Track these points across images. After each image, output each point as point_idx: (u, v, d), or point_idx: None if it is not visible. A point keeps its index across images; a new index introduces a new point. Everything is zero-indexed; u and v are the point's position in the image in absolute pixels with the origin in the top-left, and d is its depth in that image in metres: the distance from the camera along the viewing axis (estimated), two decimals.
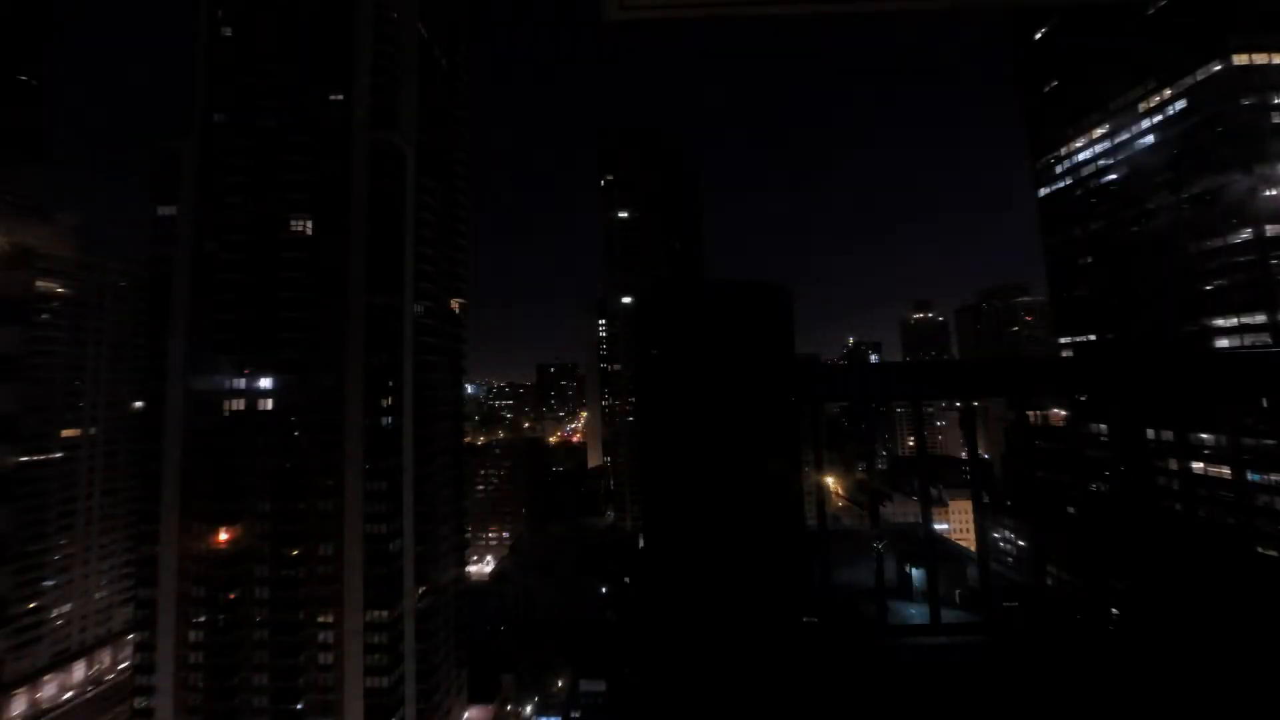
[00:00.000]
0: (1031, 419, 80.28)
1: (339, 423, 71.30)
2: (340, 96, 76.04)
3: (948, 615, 47.13)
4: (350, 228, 73.85)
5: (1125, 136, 72.77)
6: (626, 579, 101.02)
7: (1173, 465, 63.04)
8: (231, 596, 69.17)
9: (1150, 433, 65.31)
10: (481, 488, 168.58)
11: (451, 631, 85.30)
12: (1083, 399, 73.78)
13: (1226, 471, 57.66)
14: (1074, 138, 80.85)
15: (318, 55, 76.39)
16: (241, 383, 72.09)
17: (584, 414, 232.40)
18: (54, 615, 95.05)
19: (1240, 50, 58.86)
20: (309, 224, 74.34)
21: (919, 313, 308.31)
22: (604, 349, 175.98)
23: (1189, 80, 63.63)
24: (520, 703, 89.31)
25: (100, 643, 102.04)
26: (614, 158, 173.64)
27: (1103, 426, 73.25)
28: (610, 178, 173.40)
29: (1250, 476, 55.46)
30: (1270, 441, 53.94)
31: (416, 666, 74.29)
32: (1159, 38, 66.73)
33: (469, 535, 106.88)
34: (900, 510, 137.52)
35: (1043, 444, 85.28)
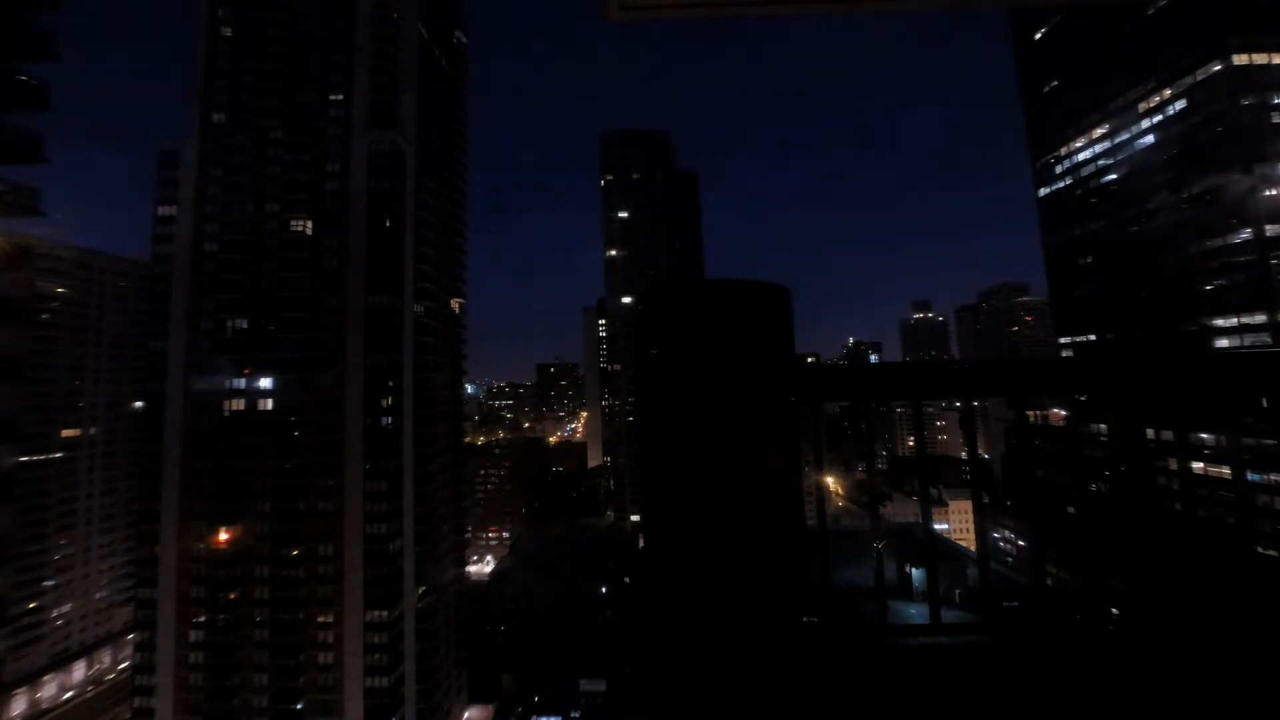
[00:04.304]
0: (1031, 419, 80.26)
1: (339, 423, 71.29)
2: (340, 96, 76.06)
3: (948, 615, 47.14)
4: (350, 228, 73.83)
5: (1125, 136, 72.76)
6: (626, 579, 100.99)
7: (1173, 465, 63.05)
8: (231, 596, 69.15)
9: (1150, 433, 65.32)
10: (481, 488, 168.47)
11: (451, 631, 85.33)
12: (1083, 399, 73.80)
13: (1226, 471, 57.67)
14: (1074, 138, 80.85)
15: (318, 55, 76.41)
16: (242, 383, 72.08)
17: (584, 414, 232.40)
18: (54, 615, 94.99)
19: (1240, 50, 58.87)
20: (309, 224, 74.33)
21: (919, 313, 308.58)
22: (604, 349, 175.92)
23: (1189, 80, 63.62)
24: (520, 703, 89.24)
25: (100, 643, 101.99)
26: (614, 158, 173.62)
27: (1103, 426, 73.24)
28: (610, 178, 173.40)
29: (1250, 476, 55.46)
30: (1270, 441, 53.95)
31: (416, 666, 74.27)
32: (1159, 38, 66.75)
33: (469, 535, 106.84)
34: (900, 510, 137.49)
35: (1043, 444, 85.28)
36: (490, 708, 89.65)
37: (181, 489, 70.32)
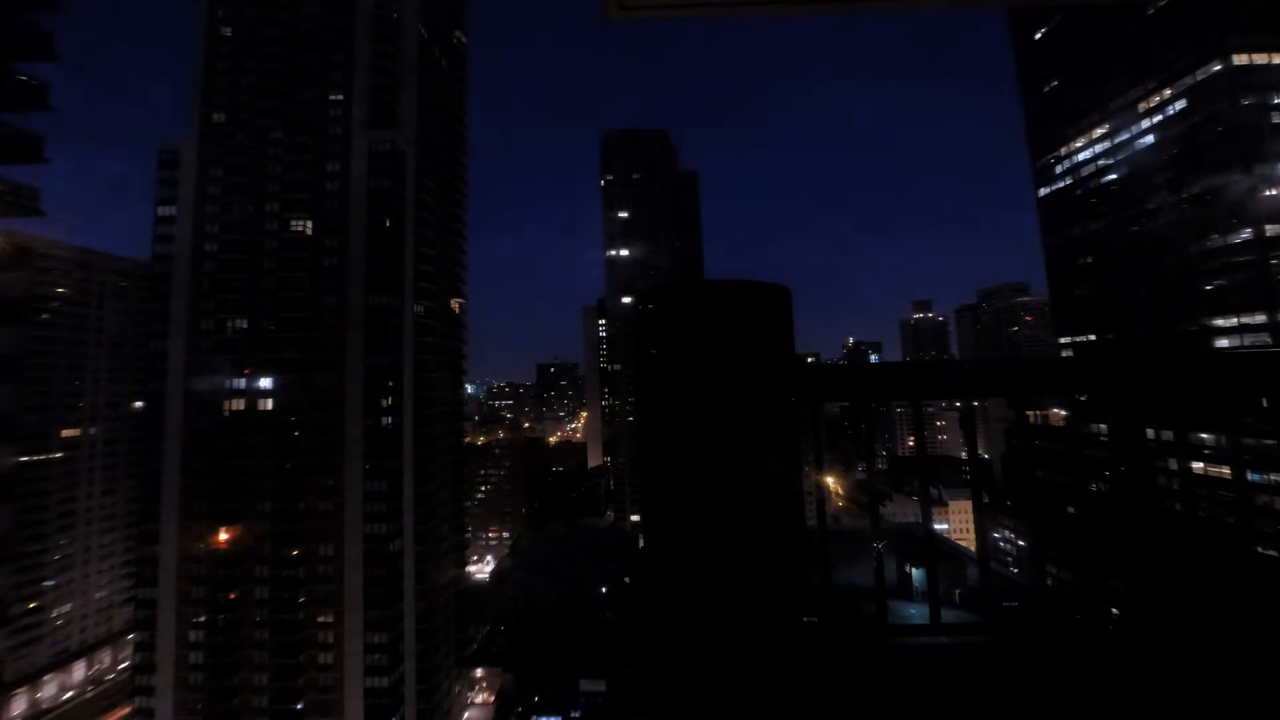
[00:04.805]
0: (1031, 419, 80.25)
1: (339, 423, 71.29)
2: (340, 96, 76.07)
3: (948, 615, 47.17)
4: (350, 228, 73.84)
5: (1125, 136, 72.75)
6: (626, 579, 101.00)
7: (1173, 465, 63.05)
8: (231, 596, 69.14)
9: (1150, 433, 65.31)
10: (481, 488, 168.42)
11: (452, 631, 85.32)
12: (1083, 399, 73.79)
13: (1226, 471, 57.66)
14: (1074, 138, 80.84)
15: (318, 55, 76.40)
16: (241, 382, 72.08)
17: (584, 414, 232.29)
18: (54, 615, 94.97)
19: (1240, 50, 58.86)
20: (309, 224, 74.33)
21: (919, 313, 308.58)
22: (604, 349, 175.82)
23: (1189, 80, 63.61)
24: (520, 702, 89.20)
25: (100, 643, 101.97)
26: (614, 158, 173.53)
27: (1103, 426, 73.24)
28: (610, 178, 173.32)
29: (1250, 476, 55.46)
30: (1270, 441, 53.93)
31: (416, 666, 74.28)
32: (1159, 38, 66.74)
33: (469, 535, 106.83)
34: (900, 510, 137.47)
35: (1043, 444, 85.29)
36: (490, 707, 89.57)
37: (181, 489, 70.31)
